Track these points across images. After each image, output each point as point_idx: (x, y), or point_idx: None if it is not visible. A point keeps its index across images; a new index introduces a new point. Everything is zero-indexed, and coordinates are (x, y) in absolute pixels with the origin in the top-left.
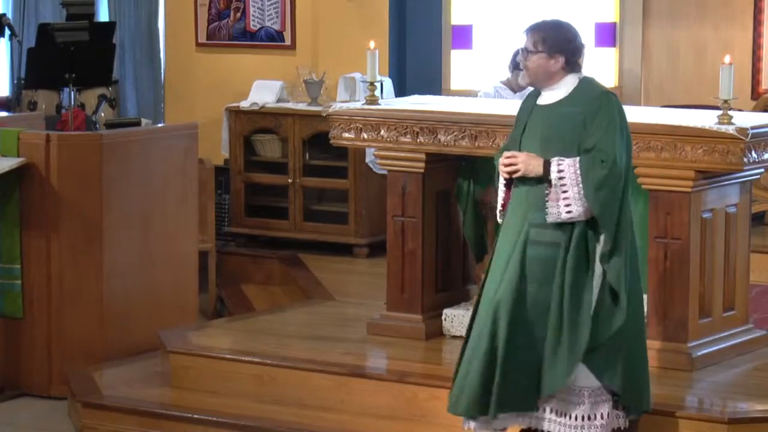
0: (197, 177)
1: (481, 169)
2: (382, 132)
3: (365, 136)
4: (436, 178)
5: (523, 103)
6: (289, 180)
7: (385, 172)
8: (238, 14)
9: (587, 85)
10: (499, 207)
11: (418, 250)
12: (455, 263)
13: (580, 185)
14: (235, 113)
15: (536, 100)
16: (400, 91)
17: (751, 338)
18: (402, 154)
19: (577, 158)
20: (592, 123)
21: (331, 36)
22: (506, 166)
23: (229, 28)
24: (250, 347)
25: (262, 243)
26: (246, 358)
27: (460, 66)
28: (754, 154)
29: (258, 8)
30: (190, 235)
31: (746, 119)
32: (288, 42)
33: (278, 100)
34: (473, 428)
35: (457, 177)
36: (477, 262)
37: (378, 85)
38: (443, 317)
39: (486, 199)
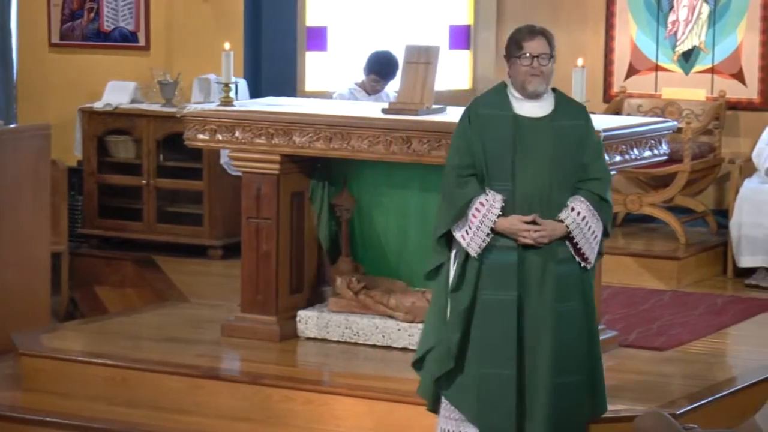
0: (50, 178)
1: (336, 170)
2: (237, 133)
3: (220, 138)
4: (290, 179)
5: (485, 113)
6: (143, 181)
7: (239, 173)
8: (92, 14)
9: (561, 94)
10: (478, 250)
11: (273, 252)
12: (310, 265)
13: (597, 226)
14: (89, 114)
15: (510, 112)
16: (255, 92)
17: (604, 339)
18: (256, 156)
19: (584, 202)
20: (587, 140)
21: (185, 37)
22: (538, 237)
23: (82, 28)
24: (103, 349)
25: (116, 245)
26: (98, 360)
27: (315, 67)
28: (606, 157)
29: (112, 9)
30: (43, 237)
31: (599, 121)
32: (142, 43)
33: (132, 101)
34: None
35: (312, 178)
36: (332, 263)
37: (233, 86)
38: (298, 319)
39: (340, 201)
